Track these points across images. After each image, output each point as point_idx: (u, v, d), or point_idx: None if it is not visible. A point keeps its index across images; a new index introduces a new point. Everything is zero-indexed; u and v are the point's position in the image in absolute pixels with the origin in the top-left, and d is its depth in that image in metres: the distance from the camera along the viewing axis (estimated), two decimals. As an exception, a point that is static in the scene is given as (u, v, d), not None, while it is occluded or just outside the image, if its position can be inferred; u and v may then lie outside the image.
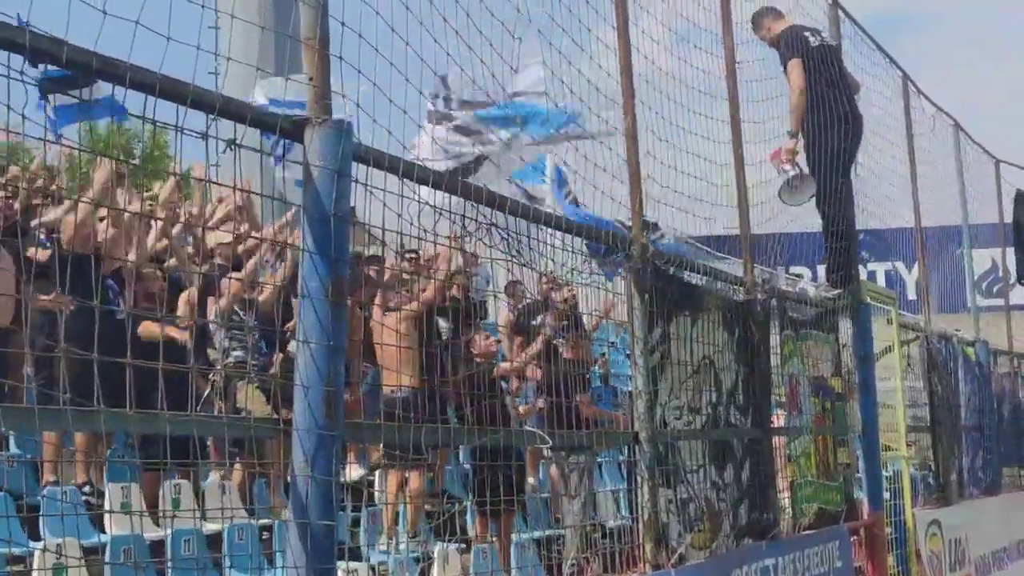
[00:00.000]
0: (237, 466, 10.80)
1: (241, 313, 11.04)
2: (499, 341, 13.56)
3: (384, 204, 4.93)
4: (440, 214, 5.33)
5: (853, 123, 10.70)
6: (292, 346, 11.45)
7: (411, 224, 5.13)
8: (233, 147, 4.38)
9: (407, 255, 10.63)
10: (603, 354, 16.04)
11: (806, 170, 10.26)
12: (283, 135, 4.50)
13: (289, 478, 4.42)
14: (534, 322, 13.68)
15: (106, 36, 3.78)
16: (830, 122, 10.40)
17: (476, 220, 5.53)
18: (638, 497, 6.90)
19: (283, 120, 4.47)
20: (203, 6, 4.26)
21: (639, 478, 6.91)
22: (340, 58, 4.63)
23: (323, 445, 4.34)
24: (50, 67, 3.77)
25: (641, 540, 6.82)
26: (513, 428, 8.18)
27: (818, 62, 10.48)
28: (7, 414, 3.52)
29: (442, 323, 11.85)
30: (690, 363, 7.76)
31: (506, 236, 5.82)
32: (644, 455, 6.86)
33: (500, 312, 15.47)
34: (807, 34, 10.59)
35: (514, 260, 6.03)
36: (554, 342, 11.89)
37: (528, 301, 13.76)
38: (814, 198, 10.47)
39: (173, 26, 4.01)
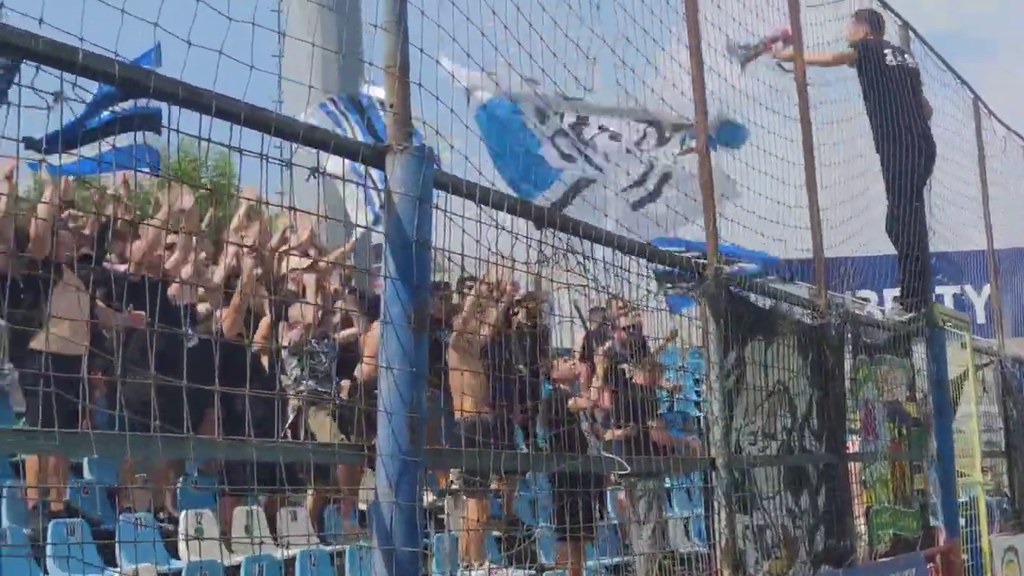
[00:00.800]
0: (309, 492, 10.83)
1: (313, 341, 11.11)
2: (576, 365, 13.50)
3: (463, 230, 4.93)
4: (517, 239, 5.33)
5: (926, 146, 10.59)
6: (358, 371, 11.59)
7: (489, 250, 5.13)
8: (317, 175, 4.41)
9: (468, 282, 10.63)
10: (671, 379, 15.94)
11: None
12: (364, 162, 4.52)
13: (363, 504, 4.43)
14: (601, 348, 13.65)
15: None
16: (905, 145, 10.30)
17: (553, 245, 5.52)
18: (715, 523, 6.85)
19: (364, 148, 4.49)
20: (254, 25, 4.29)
21: (716, 504, 6.86)
22: (420, 85, 4.65)
23: (407, 471, 4.34)
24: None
25: (719, 567, 6.77)
26: (591, 454, 8.15)
27: (894, 82, 10.37)
28: (99, 440, 3.54)
29: (515, 349, 11.86)
30: (764, 388, 7.70)
31: (582, 261, 5.81)
32: (721, 481, 6.81)
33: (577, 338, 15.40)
34: (887, 51, 10.49)
35: (590, 285, 6.01)
36: (621, 367, 11.85)
37: (592, 328, 13.74)
38: (887, 222, 10.37)
39: (233, 54, 4.04)
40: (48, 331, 7.86)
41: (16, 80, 3.64)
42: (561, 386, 12.58)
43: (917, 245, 10.45)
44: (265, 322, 11.40)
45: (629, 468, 6.03)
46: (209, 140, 3.96)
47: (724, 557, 6.76)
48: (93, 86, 3.83)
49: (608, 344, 12.67)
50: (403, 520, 4.32)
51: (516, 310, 12.94)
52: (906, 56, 10.70)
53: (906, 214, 10.28)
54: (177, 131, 3.87)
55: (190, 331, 9.47)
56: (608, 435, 12.69)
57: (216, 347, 3.90)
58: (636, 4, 6.55)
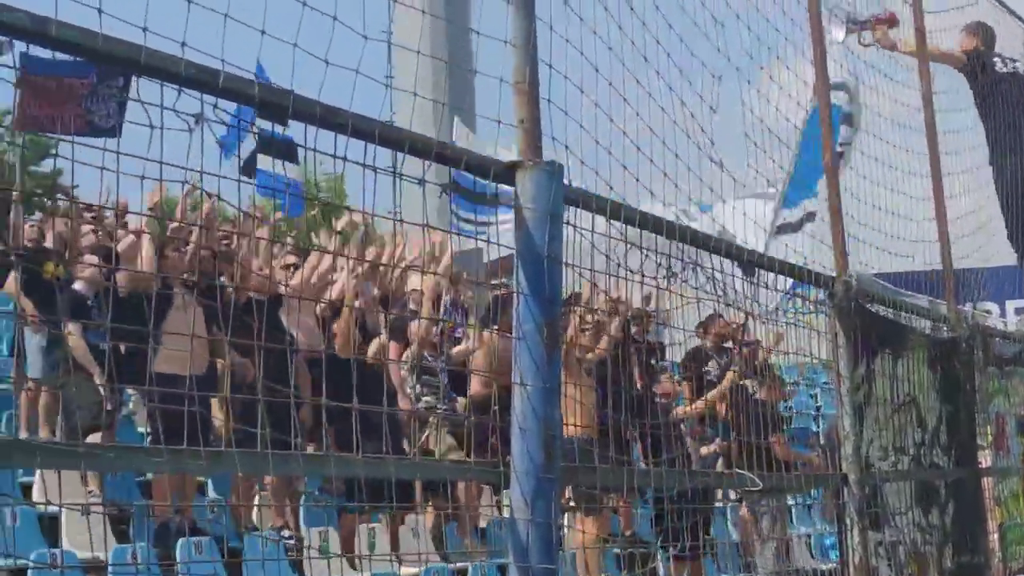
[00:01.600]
0: (429, 509, 10.86)
1: (430, 358, 11.15)
2: (680, 382, 13.41)
3: (592, 245, 4.91)
4: (647, 255, 5.29)
5: None
6: (472, 389, 11.59)
7: (618, 265, 5.10)
8: (448, 192, 4.42)
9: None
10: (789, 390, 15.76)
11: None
12: (496, 179, 4.51)
13: (483, 522, 4.41)
14: (712, 364, 13.56)
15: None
16: (1017, 152, 10.08)
17: (682, 260, 5.47)
18: (848, 540, 6.73)
19: (496, 164, 4.48)
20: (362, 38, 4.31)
21: (848, 520, 6.74)
22: (549, 101, 4.63)
23: (542, 488, 4.31)
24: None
25: (853, 584, 6.66)
26: (722, 470, 8.08)
27: (1005, 88, 10.17)
28: (243, 459, 3.57)
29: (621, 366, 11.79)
30: (893, 402, 7.58)
31: (711, 276, 5.75)
32: (853, 497, 6.70)
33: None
34: (996, 59, 10.30)
35: (719, 300, 5.95)
36: (743, 382, 11.76)
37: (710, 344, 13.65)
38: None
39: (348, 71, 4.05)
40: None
41: (128, 96, 3.69)
42: (662, 400, 12.50)
43: None
44: (379, 341, 11.47)
45: (761, 484, 5.95)
46: (345, 159, 3.98)
47: (858, 574, 6.64)
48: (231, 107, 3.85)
49: (727, 358, 12.57)
50: (539, 537, 4.29)
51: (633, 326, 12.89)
52: (1017, 64, 10.49)
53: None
54: (315, 151, 3.89)
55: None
56: (704, 450, 12.61)
57: (354, 365, 3.91)
58: (760, 21, 6.49)
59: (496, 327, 11.29)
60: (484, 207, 6.82)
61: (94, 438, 9.13)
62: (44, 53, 3.40)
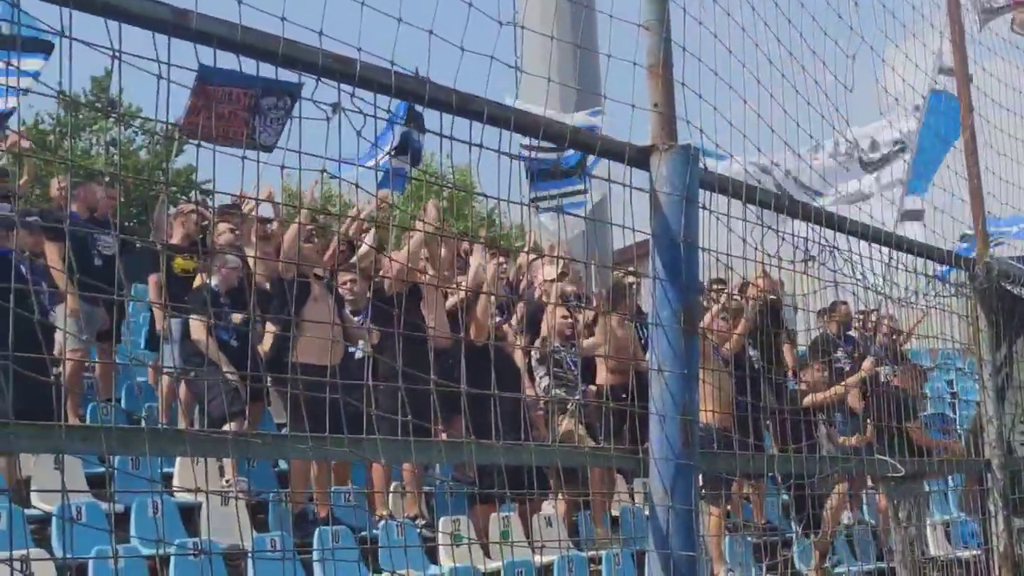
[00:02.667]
0: (562, 497, 10.86)
1: (559, 347, 11.14)
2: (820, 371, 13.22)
3: (729, 229, 4.86)
4: (783, 239, 5.23)
5: None
6: (601, 378, 11.58)
7: (755, 249, 5.05)
8: (584, 176, 4.41)
9: (716, 284, 10.51)
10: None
11: None
12: (630, 163, 4.48)
13: (615, 511, 4.38)
14: (840, 352, 13.36)
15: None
16: None
17: (820, 243, 5.40)
18: (992, 527, 6.59)
19: (630, 148, 4.45)
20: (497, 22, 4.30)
21: (992, 507, 6.60)
22: (683, 84, 4.59)
23: (682, 474, 4.28)
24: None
25: (998, 571, 6.51)
26: (864, 456, 7.94)
27: None
28: (385, 446, 3.60)
29: (751, 352, 11.71)
30: (1034, 386, 7.40)
31: (849, 259, 5.66)
32: (997, 483, 6.56)
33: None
34: None
35: (859, 283, 5.86)
36: (878, 369, 11.59)
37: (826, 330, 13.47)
38: None
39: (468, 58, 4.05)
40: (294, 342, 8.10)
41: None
42: (802, 386, 12.36)
43: None
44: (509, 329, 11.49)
45: (903, 470, 5.85)
46: (481, 146, 3.99)
47: (1003, 561, 6.51)
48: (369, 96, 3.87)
49: (856, 347, 12.39)
50: (680, 524, 4.26)
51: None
52: None
53: None
54: (451, 138, 3.90)
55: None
56: (844, 441, 12.41)
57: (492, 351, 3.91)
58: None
59: (617, 315, 11.30)
60: (558, 181, 6.83)
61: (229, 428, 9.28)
62: (225, 63, 3.45)
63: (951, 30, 6.72)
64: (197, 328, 9.95)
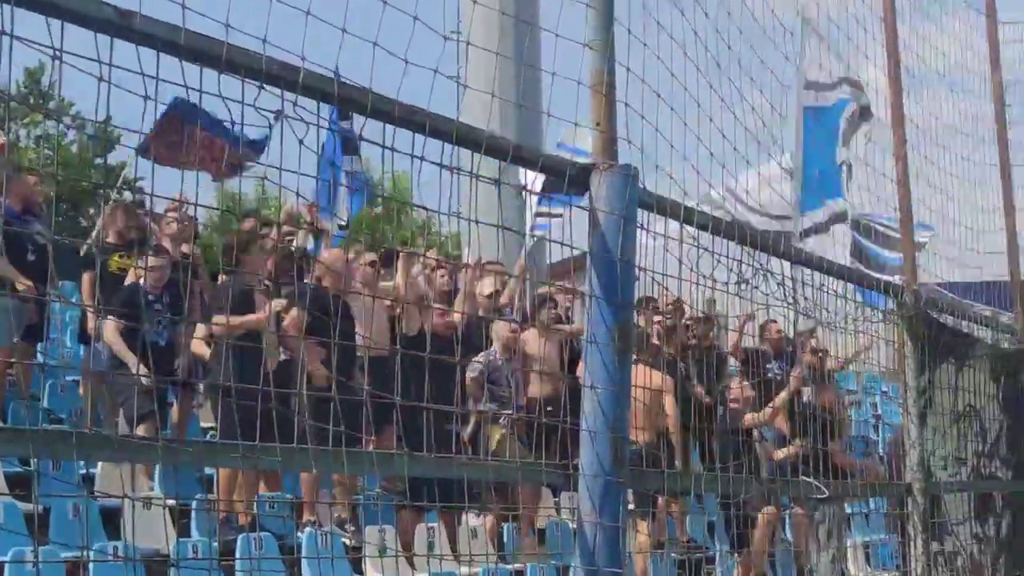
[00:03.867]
0: (490, 510, 10.85)
1: (497, 360, 11.16)
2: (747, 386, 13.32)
3: (666, 249, 4.90)
4: (719, 260, 5.27)
5: None
6: (533, 390, 11.59)
7: (691, 270, 5.09)
8: (526, 192, 4.42)
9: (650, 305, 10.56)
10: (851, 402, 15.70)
11: None
12: (570, 181, 4.50)
13: (541, 523, 4.40)
14: (773, 368, 13.48)
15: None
16: None
17: (752, 266, 5.45)
18: (911, 550, 6.69)
19: (571, 166, 4.48)
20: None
21: (912, 530, 6.70)
22: (627, 104, 4.62)
23: (610, 492, 4.31)
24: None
25: (916, 595, 6.61)
26: (789, 478, 8.04)
27: None
28: (317, 456, 3.59)
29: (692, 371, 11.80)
30: (953, 412, 7.54)
31: (782, 283, 5.72)
32: (917, 507, 6.65)
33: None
34: None
35: (790, 307, 5.92)
36: (799, 388, 11.73)
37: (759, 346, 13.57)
38: None
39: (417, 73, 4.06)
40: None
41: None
42: (732, 406, 12.44)
43: None
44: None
45: (827, 492, 5.92)
46: (422, 159, 3.99)
47: (921, 585, 6.61)
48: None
49: (796, 368, 12.50)
50: (607, 541, 4.29)
51: (693, 332, 12.86)
52: None
53: None
54: (392, 149, 3.90)
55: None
56: (779, 454, 12.53)
57: (426, 363, 3.91)
58: (834, 30, 6.47)
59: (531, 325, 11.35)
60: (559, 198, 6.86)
61: (141, 431, 9.20)
62: (167, 66, 3.43)
63: (887, 64, 6.82)
64: (109, 328, 9.88)
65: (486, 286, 11.57)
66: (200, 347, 10.50)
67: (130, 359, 9.72)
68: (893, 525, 10.41)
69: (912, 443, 6.77)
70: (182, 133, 9.72)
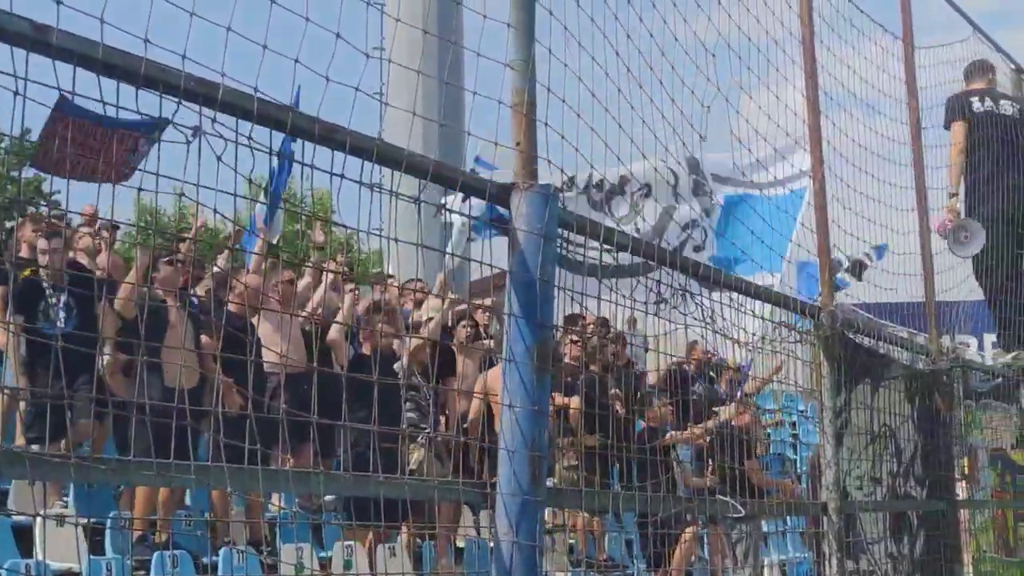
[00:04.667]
0: (404, 529, 10.81)
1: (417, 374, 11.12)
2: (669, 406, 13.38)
3: (585, 268, 4.92)
4: (638, 281, 5.31)
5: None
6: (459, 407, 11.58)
7: (611, 290, 5.12)
8: (444, 210, 4.42)
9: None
10: (770, 421, 15.82)
11: (971, 221, 9.74)
12: (491, 200, 4.51)
13: (460, 542, 4.39)
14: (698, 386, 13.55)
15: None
16: (994, 190, 10.07)
17: (672, 286, 5.49)
18: (826, 569, 6.76)
19: (491, 185, 4.49)
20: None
21: (827, 549, 6.77)
22: (547, 124, 4.64)
23: (527, 511, 4.31)
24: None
25: (830, 613, 6.68)
26: (707, 497, 8.11)
27: (984, 127, 10.14)
28: (232, 475, 3.56)
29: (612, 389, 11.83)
30: (869, 432, 7.64)
31: (699, 303, 5.77)
32: (832, 526, 6.72)
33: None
34: (974, 98, 10.28)
35: (708, 327, 5.97)
36: (715, 409, 11.80)
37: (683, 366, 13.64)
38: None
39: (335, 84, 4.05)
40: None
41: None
42: (651, 425, 12.50)
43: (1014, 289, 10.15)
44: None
45: (744, 511, 5.96)
46: (343, 176, 3.97)
47: (835, 603, 6.67)
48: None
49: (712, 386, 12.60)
50: (523, 560, 4.29)
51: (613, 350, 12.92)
52: (1003, 103, 10.42)
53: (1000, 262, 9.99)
54: (312, 167, 3.89)
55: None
56: (697, 483, 12.60)
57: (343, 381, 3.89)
58: (753, 52, 6.53)
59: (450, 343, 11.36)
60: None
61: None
62: (85, 81, 3.38)
63: (805, 85, 6.90)
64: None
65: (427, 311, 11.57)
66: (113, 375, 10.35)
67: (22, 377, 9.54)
68: (809, 543, 10.50)
69: (828, 463, 6.83)
70: (68, 133, 9.50)
